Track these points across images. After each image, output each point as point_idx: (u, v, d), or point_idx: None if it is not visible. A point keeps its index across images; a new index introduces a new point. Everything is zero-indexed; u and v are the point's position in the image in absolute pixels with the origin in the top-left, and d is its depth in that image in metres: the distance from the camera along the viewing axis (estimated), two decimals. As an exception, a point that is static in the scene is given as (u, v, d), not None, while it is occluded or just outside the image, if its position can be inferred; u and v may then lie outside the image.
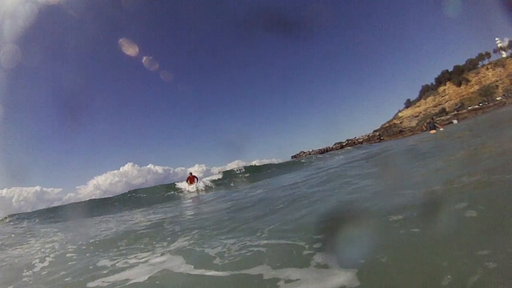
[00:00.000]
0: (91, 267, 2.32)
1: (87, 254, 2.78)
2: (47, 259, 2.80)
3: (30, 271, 2.49)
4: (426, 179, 2.98)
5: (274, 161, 15.64)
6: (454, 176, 2.61)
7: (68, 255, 2.89)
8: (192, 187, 13.91)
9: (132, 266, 2.17)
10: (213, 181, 14.91)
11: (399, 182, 3.22)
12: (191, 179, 14.40)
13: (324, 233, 2.06)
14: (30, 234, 5.80)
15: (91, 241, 3.35)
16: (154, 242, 2.80)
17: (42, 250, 3.32)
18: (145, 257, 2.34)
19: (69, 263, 2.54)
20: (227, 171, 16.56)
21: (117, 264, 2.30)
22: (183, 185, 14.67)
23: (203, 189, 13.69)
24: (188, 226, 3.39)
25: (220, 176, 15.66)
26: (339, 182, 4.35)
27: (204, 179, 15.71)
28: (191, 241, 2.58)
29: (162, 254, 2.32)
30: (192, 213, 5.32)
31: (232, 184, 13.30)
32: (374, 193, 2.87)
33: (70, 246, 3.29)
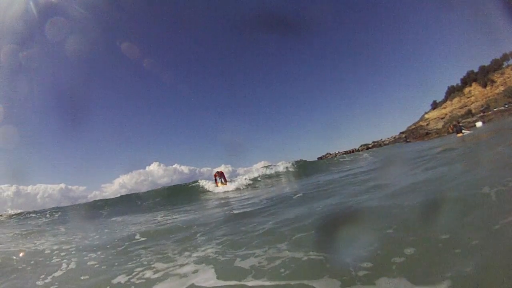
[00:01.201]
0: (106, 282, 2.18)
1: (105, 265, 2.68)
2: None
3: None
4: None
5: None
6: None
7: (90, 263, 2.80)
8: (221, 188, 12.77)
9: (158, 280, 2.02)
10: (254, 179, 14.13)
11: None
12: (219, 175, 13.48)
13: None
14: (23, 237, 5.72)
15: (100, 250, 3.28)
16: (180, 250, 2.71)
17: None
18: (170, 268, 2.22)
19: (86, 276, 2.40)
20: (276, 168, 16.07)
21: (139, 278, 2.13)
22: (208, 185, 13.68)
23: (241, 187, 12.53)
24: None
25: (258, 173, 14.94)
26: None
27: (241, 178, 14.48)
28: (222, 249, 2.49)
29: (189, 264, 2.24)
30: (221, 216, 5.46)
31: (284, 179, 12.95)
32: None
33: (90, 254, 3.17)
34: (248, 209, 5.37)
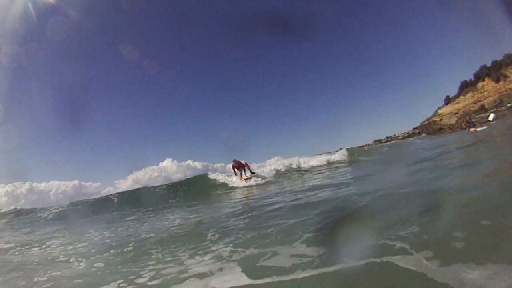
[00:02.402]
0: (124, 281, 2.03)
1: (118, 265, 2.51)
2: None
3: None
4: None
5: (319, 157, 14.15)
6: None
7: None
8: (242, 180, 10.63)
9: (182, 279, 1.90)
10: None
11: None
12: (239, 166, 11.09)
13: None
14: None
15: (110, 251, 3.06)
16: (201, 247, 2.57)
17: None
18: (192, 266, 2.12)
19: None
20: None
21: (158, 277, 2.02)
22: (224, 178, 11.55)
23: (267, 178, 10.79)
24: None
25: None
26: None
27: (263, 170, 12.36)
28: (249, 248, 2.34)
29: (212, 262, 2.12)
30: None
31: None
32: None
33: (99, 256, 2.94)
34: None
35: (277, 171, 12.48)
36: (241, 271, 1.85)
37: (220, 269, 1.97)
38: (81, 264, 2.82)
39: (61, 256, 3.29)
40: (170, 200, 9.83)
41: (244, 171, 11.28)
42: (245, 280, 1.71)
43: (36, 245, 4.32)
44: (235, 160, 11.26)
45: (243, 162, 11.43)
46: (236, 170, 11.23)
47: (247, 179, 10.87)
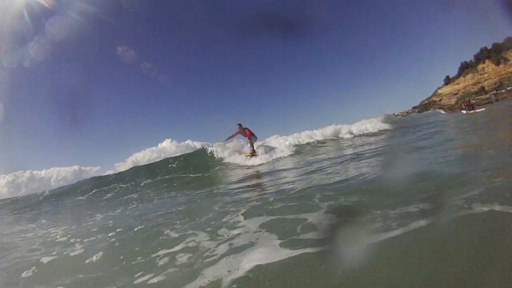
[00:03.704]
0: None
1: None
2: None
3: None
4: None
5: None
6: None
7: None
8: (244, 156, 8.36)
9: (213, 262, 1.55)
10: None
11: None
12: (243, 134, 8.78)
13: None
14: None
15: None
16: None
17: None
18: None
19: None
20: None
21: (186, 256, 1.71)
22: (223, 152, 9.14)
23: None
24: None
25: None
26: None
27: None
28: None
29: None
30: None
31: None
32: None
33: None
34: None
35: (299, 145, 9.96)
36: (279, 244, 1.57)
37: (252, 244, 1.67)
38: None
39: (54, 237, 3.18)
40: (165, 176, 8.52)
41: (247, 143, 8.83)
42: (285, 253, 1.44)
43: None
44: (240, 125, 8.99)
45: (247, 130, 8.83)
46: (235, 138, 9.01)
47: (250, 155, 8.44)
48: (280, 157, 8.24)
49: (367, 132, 12.45)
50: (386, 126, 13.40)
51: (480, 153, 3.13)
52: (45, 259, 2.18)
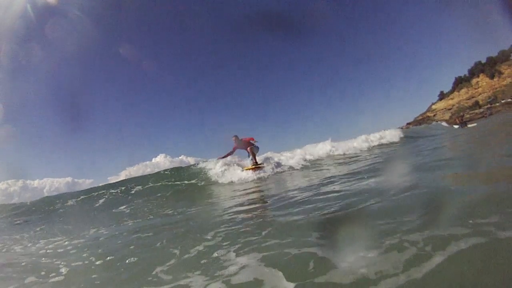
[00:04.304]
0: None
1: None
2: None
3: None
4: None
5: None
6: None
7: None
8: (250, 171, 6.89)
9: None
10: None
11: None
12: (242, 147, 7.43)
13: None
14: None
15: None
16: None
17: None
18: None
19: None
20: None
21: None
22: (217, 167, 7.53)
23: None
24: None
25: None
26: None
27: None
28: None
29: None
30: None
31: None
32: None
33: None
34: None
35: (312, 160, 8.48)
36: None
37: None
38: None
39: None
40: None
41: (249, 156, 7.36)
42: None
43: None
44: (236, 137, 7.39)
45: (245, 141, 7.42)
46: (233, 153, 7.58)
47: (253, 168, 6.97)
48: (287, 171, 7.10)
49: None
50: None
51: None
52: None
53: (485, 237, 1.25)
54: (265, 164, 7.35)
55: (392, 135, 12.06)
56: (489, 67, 51.82)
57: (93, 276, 1.87)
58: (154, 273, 1.73)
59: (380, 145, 10.79)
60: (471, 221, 1.43)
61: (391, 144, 10.98)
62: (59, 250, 2.75)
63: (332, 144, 10.08)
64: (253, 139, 7.44)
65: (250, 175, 6.80)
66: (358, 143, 10.66)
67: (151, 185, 8.02)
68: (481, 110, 45.15)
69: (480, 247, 1.20)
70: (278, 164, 7.52)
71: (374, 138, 11.45)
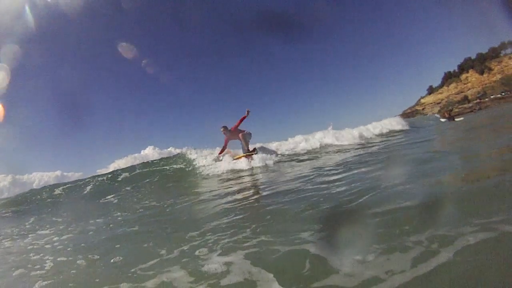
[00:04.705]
0: None
1: None
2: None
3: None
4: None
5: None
6: None
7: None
8: (236, 159, 6.59)
9: None
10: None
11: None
12: (234, 137, 7.01)
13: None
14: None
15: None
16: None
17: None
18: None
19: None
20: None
21: None
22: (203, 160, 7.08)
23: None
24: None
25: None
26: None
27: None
28: None
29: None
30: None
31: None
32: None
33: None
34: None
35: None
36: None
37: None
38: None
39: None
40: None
41: (243, 145, 6.95)
42: None
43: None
44: (224, 128, 6.96)
45: (234, 129, 7.00)
46: (226, 145, 7.10)
47: (246, 156, 6.58)
48: (280, 161, 6.38)
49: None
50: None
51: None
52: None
53: (491, 232, 1.11)
54: (257, 150, 6.84)
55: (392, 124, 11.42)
56: (479, 63, 52.79)
57: (74, 271, 1.69)
58: (135, 269, 1.53)
59: (381, 134, 10.20)
60: (476, 215, 1.25)
61: (391, 132, 10.42)
62: (46, 246, 2.45)
63: (332, 133, 9.00)
64: (244, 117, 7.01)
65: (242, 164, 6.27)
66: (354, 135, 9.06)
67: (139, 171, 7.57)
68: (470, 104, 45.93)
69: (487, 242, 1.07)
70: (271, 154, 6.90)
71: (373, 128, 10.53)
